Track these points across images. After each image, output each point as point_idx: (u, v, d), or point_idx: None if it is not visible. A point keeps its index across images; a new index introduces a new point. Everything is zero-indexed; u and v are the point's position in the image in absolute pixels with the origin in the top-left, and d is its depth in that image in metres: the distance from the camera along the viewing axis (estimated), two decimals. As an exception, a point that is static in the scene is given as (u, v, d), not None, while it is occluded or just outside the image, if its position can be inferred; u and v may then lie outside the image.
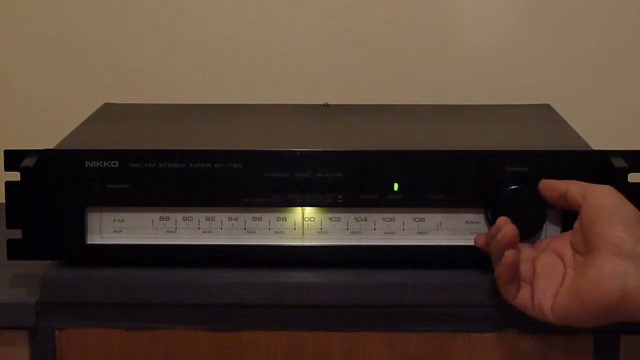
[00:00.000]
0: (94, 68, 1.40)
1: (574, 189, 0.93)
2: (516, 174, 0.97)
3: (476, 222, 0.99)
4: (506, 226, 0.90)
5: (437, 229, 0.99)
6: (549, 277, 0.91)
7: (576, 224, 0.92)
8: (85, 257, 0.99)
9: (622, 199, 0.90)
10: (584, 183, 0.93)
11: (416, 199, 0.98)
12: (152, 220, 0.99)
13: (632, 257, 0.86)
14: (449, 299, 0.97)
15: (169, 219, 0.99)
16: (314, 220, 0.99)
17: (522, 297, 0.91)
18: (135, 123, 1.16)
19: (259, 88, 1.40)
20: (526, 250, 0.94)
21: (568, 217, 0.96)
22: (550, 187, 0.95)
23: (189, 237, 0.99)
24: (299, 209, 0.99)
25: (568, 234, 0.94)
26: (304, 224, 0.99)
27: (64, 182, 0.98)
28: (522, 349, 0.98)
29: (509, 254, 0.89)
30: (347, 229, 0.99)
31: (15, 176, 0.97)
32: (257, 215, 0.99)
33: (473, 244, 0.97)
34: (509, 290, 0.91)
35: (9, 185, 0.97)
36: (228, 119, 1.19)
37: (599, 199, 0.90)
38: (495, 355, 0.98)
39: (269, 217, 0.99)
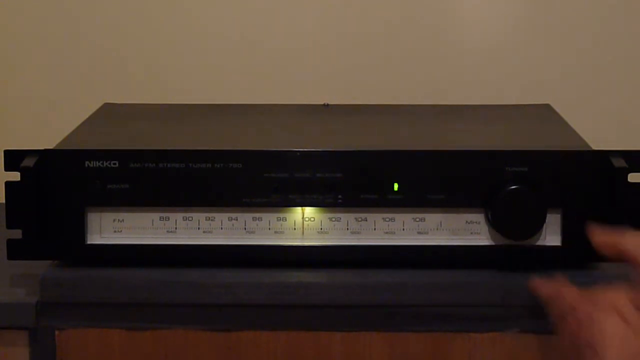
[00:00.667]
0: (94, 68, 1.40)
1: (630, 245, 0.88)
2: (516, 174, 0.97)
3: (476, 222, 0.99)
4: None
5: (437, 229, 0.99)
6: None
7: (636, 278, 0.87)
8: (85, 257, 0.99)
9: None
10: (635, 235, 0.89)
11: (416, 199, 0.98)
12: (152, 220, 0.99)
13: None
14: (449, 299, 0.97)
15: (169, 219, 0.99)
16: (314, 220, 0.99)
17: None
18: (135, 123, 1.16)
19: (259, 88, 1.40)
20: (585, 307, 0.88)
21: (569, 218, 0.96)
22: (603, 244, 0.91)
23: (189, 237, 0.99)
24: (299, 209, 0.99)
25: (624, 287, 0.88)
26: (304, 224, 0.99)
27: (64, 182, 0.98)
28: (522, 349, 0.98)
29: None
30: (347, 229, 0.99)
31: (15, 176, 0.97)
32: (257, 215, 0.99)
33: (473, 244, 0.97)
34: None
35: (9, 185, 0.97)
36: (228, 119, 1.19)
37: None
38: (495, 355, 0.98)
39: (269, 217, 0.99)
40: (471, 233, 0.99)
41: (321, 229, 0.99)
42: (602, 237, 0.92)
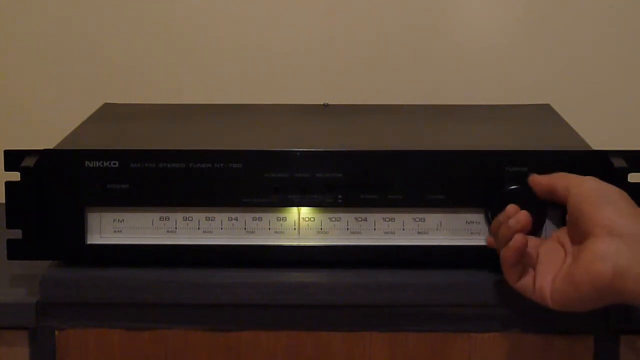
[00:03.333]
0: (94, 68, 1.40)
1: (559, 183, 0.94)
2: (516, 174, 0.97)
3: (476, 222, 0.99)
4: (519, 213, 0.91)
5: (437, 229, 0.99)
6: (551, 264, 0.92)
7: (567, 217, 0.93)
8: (85, 257, 0.99)
9: (603, 183, 0.91)
10: (566, 175, 0.94)
11: (416, 199, 0.98)
12: (152, 220, 0.99)
13: (623, 236, 0.86)
14: (449, 299, 0.97)
15: (169, 219, 0.99)
16: (314, 220, 0.99)
17: (525, 281, 0.92)
18: (135, 123, 1.16)
19: (259, 88, 1.40)
20: (531, 239, 0.94)
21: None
22: (537, 182, 0.96)
23: (189, 237, 0.99)
24: (299, 209, 0.99)
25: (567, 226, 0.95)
26: (304, 224, 0.99)
27: (64, 182, 0.98)
28: (522, 349, 0.98)
29: (518, 238, 0.90)
30: (347, 229, 0.99)
31: (15, 176, 0.97)
32: (257, 215, 0.99)
33: (473, 244, 0.97)
34: (512, 274, 0.92)
35: (9, 185, 0.97)
36: (228, 119, 1.19)
37: (582, 188, 0.91)
38: (495, 355, 0.98)
39: (269, 217, 0.99)
40: (471, 233, 0.99)
41: (321, 228, 0.99)
42: (535, 177, 0.96)
